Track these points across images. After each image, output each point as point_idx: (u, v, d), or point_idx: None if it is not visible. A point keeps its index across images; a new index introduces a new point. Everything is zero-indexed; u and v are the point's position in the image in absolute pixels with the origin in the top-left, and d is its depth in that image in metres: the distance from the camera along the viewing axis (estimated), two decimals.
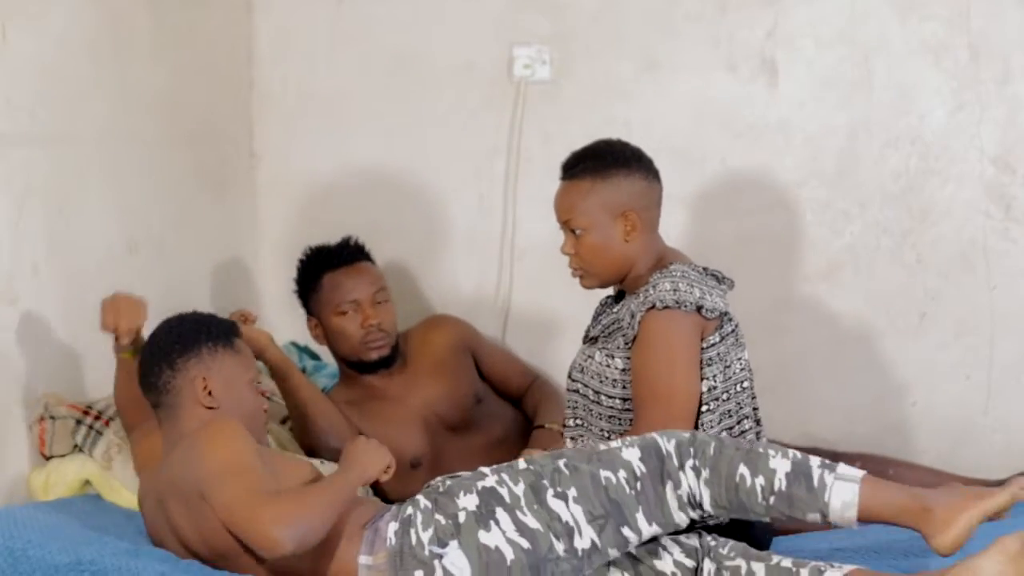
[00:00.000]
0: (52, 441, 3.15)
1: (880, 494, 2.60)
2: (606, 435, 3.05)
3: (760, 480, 2.61)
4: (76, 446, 3.16)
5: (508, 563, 2.59)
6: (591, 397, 3.07)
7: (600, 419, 3.06)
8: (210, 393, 2.80)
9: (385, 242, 3.79)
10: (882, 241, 3.85)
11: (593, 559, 2.65)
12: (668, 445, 2.66)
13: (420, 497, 2.70)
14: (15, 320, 3.06)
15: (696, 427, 2.96)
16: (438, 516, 2.63)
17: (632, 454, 2.66)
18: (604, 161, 3.08)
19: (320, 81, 4.09)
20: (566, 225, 3.10)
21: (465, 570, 2.59)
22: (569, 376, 3.15)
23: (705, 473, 2.64)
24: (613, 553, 2.66)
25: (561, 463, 2.67)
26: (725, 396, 3.00)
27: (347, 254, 3.65)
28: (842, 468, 2.63)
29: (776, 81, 3.87)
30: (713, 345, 2.98)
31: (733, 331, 3.03)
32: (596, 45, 3.95)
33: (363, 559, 2.65)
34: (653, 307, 2.94)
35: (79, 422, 3.17)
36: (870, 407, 3.86)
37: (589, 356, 3.10)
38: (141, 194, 3.54)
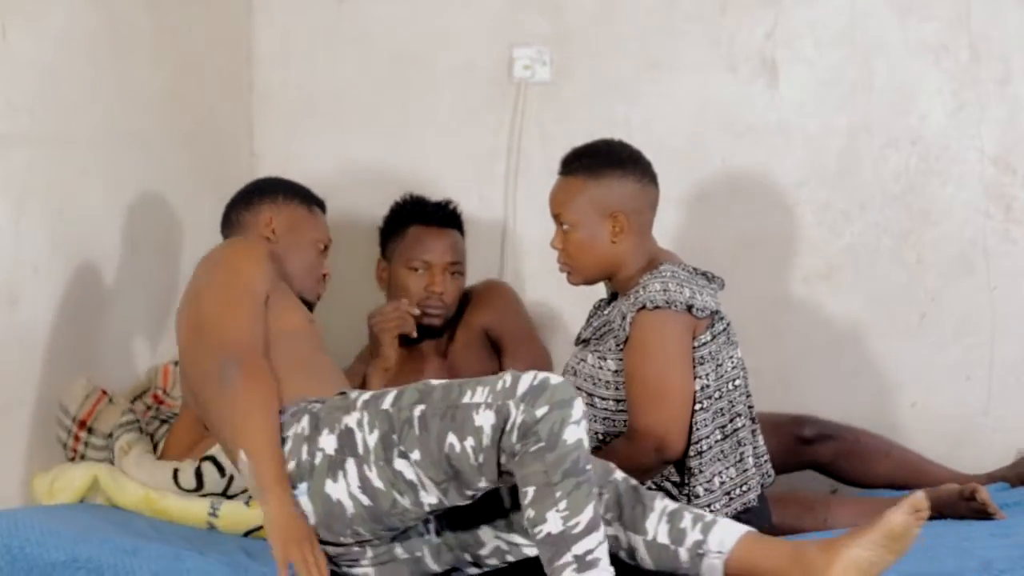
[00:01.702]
0: (99, 415, 3.19)
1: None
2: (600, 437, 3.06)
3: (531, 512, 2.46)
4: (109, 434, 3.18)
5: (348, 515, 2.60)
6: (584, 400, 3.05)
7: (594, 421, 3.06)
8: (274, 231, 3.01)
9: None
10: (882, 242, 3.84)
11: (440, 508, 2.60)
12: (517, 417, 2.45)
13: (319, 405, 2.67)
14: (15, 320, 3.06)
15: (690, 426, 2.96)
16: (308, 446, 2.62)
17: (486, 419, 2.47)
18: (599, 160, 3.09)
19: (320, 81, 4.08)
20: (556, 219, 3.11)
21: (310, 515, 2.62)
22: None
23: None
24: (461, 502, 2.58)
25: (417, 413, 2.55)
26: (717, 394, 3.00)
27: (442, 216, 3.65)
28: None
29: (776, 82, 3.87)
30: (705, 344, 2.98)
31: (725, 329, 3.04)
32: (596, 45, 3.95)
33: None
34: (643, 308, 2.94)
35: (131, 411, 3.24)
36: (870, 407, 3.85)
37: (581, 359, 3.11)
38: (141, 194, 3.54)
